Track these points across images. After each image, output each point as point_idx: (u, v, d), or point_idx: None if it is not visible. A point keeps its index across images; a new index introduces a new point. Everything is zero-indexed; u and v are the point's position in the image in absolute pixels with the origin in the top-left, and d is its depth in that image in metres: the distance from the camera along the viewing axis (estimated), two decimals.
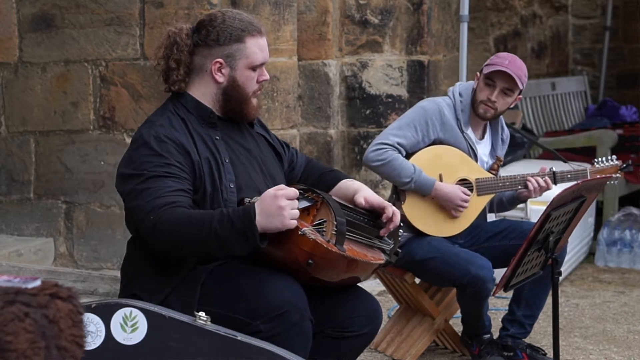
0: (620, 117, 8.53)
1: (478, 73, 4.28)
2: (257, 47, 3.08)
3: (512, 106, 4.31)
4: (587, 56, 9.67)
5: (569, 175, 4.34)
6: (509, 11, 8.80)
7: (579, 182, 3.61)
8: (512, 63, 4.18)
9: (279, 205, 2.78)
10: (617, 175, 4.44)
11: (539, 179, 4.26)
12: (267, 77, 3.16)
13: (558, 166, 4.48)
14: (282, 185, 2.86)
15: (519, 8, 8.93)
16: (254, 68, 3.09)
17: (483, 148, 4.37)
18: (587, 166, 4.56)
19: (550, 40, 9.34)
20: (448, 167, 4.24)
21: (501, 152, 4.43)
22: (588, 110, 8.95)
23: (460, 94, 4.30)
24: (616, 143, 7.16)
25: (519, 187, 4.28)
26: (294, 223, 2.80)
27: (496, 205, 4.45)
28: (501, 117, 4.38)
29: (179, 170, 2.95)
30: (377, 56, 6.01)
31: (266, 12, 5.40)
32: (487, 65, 4.23)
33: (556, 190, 3.83)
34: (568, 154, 6.64)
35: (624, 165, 4.50)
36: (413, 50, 6.07)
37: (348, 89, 6.01)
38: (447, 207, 4.20)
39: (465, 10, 5.99)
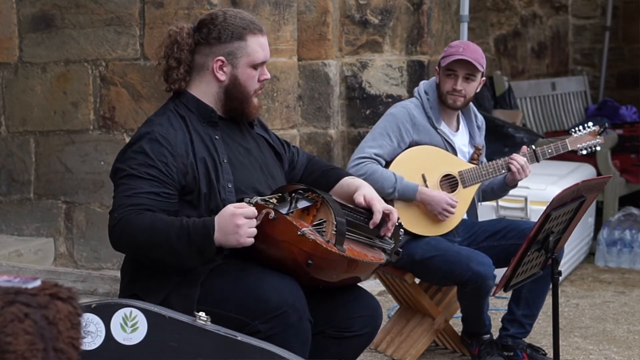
0: (620, 117, 8.53)
1: (437, 67, 4.33)
2: (258, 45, 3.09)
3: (478, 90, 4.34)
4: (587, 56, 9.68)
5: (549, 150, 4.36)
6: (509, 11, 8.81)
7: (578, 182, 3.61)
8: (466, 49, 4.23)
9: (236, 224, 2.79)
10: (598, 139, 4.45)
11: (521, 158, 4.27)
12: (268, 76, 3.16)
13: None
14: (243, 204, 2.85)
15: (519, 8, 8.93)
16: (255, 66, 3.10)
17: (461, 139, 4.39)
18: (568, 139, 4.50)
19: (550, 40, 9.35)
20: (429, 167, 4.25)
21: (480, 139, 4.46)
22: (588, 110, 8.95)
23: (425, 92, 4.34)
24: (616, 143, 7.16)
25: (503, 171, 4.30)
26: (250, 241, 2.82)
27: (486, 195, 4.46)
28: (472, 104, 4.41)
29: (161, 173, 2.94)
30: (377, 56, 6.01)
31: (266, 12, 5.40)
32: (443, 57, 4.27)
33: (556, 190, 3.83)
34: (568, 154, 6.63)
35: (602, 129, 4.50)
36: (413, 50, 6.07)
37: (348, 89, 6.01)
38: (432, 211, 4.18)
39: (465, 10, 6.00)
